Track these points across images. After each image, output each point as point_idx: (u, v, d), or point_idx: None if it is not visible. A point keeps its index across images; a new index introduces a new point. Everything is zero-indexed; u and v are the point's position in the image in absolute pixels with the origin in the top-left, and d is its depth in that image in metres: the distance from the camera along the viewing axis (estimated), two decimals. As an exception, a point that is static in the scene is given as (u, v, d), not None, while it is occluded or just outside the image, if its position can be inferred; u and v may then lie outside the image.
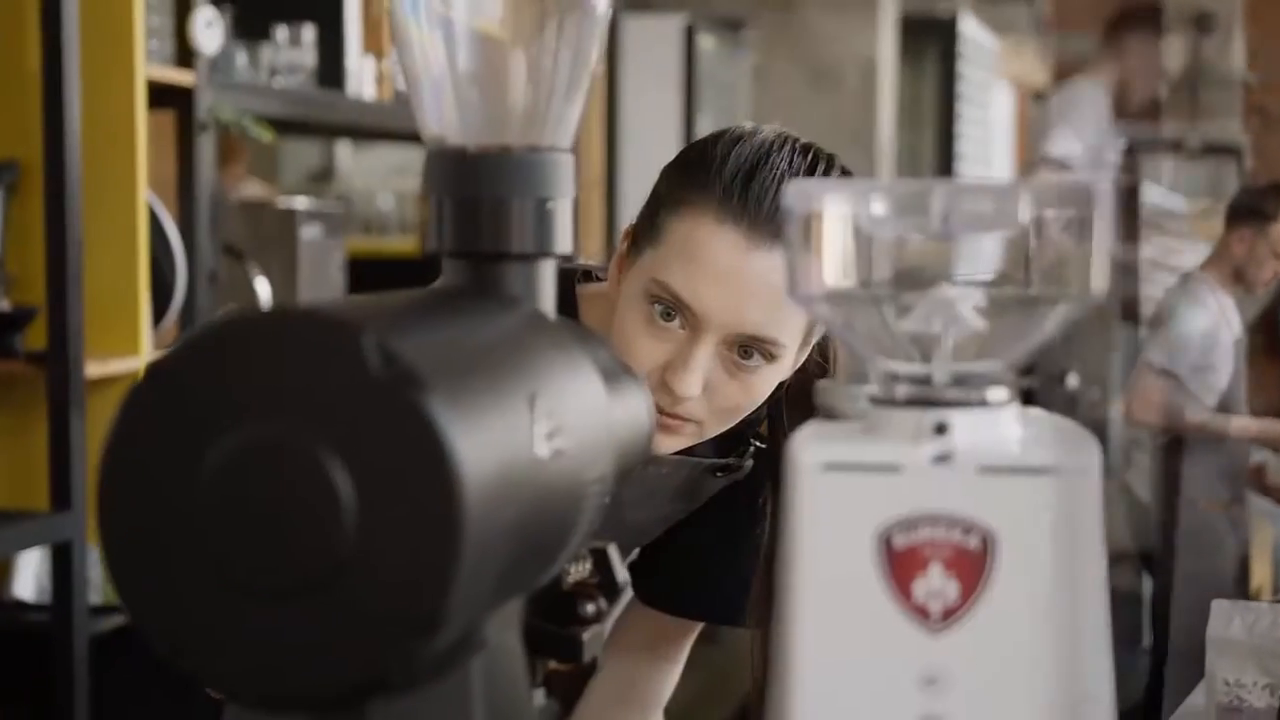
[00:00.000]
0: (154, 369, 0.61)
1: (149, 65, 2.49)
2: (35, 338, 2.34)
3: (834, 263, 0.69)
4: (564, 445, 0.68)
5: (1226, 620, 1.92)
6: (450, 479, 0.58)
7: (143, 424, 0.62)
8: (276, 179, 4.75)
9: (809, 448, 0.67)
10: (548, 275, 0.78)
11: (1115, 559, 4.00)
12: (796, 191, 0.69)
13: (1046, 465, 0.65)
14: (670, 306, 1.21)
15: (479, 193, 0.76)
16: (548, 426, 0.67)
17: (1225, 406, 4.06)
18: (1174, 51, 9.25)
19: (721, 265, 1.19)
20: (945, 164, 7.13)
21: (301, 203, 3.04)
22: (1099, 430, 4.56)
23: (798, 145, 1.26)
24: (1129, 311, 4.29)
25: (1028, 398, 5.07)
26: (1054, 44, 9.61)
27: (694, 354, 1.20)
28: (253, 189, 3.99)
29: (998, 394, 0.68)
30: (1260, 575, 4.95)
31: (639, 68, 4.80)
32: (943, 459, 0.66)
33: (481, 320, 0.71)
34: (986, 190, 0.69)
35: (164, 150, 2.59)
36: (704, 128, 5.82)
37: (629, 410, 0.82)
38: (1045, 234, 0.68)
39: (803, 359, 1.30)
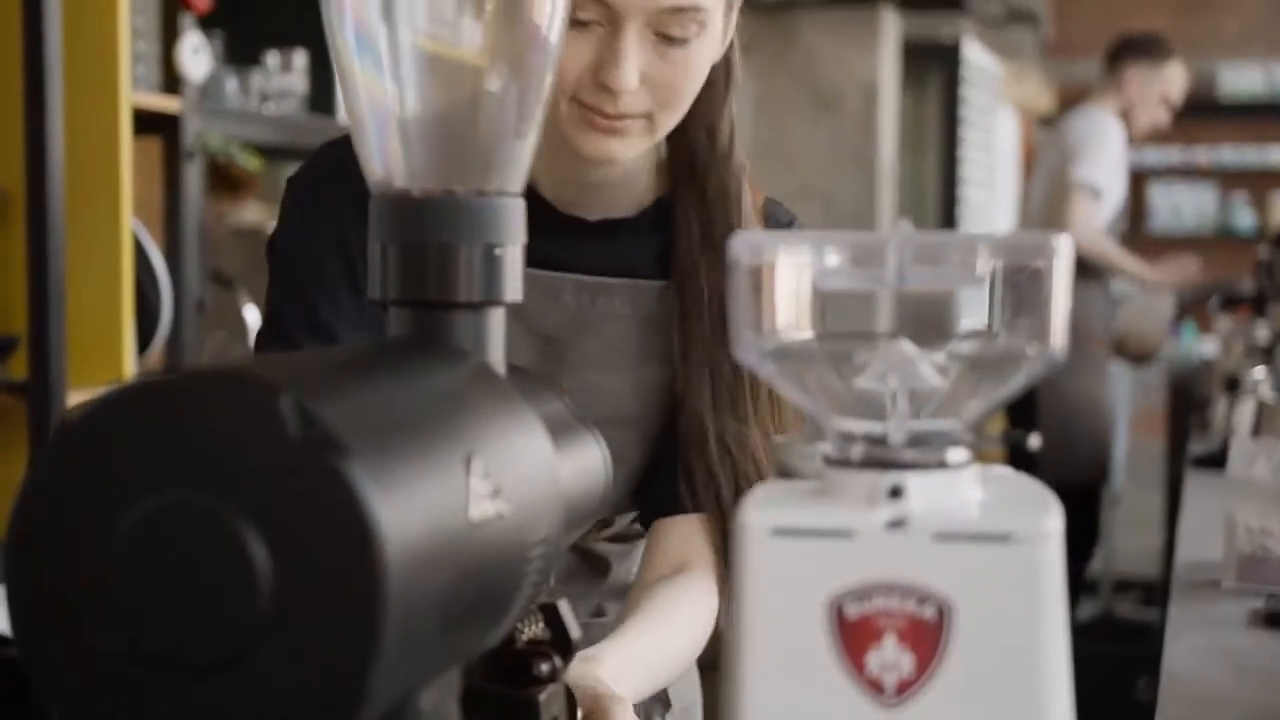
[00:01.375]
0: (67, 427, 0.59)
1: (135, 92, 2.46)
2: (17, 367, 2.31)
3: (785, 317, 0.67)
4: (503, 507, 0.65)
5: (1248, 460, 1.77)
6: (372, 549, 0.55)
7: (54, 484, 0.59)
8: (278, 196, 4.73)
9: (758, 511, 0.64)
10: (497, 323, 0.75)
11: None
12: (744, 242, 0.66)
13: (1006, 532, 0.62)
14: (583, 3, 1.17)
15: (424, 239, 0.74)
16: (486, 488, 0.64)
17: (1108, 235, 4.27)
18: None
19: None
20: (949, 188, 7.10)
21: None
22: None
23: None
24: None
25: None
26: (1057, 69, 9.61)
27: (620, 45, 1.17)
28: (251, 213, 3.97)
29: (957, 455, 0.65)
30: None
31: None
32: (897, 524, 0.63)
33: (419, 375, 0.68)
34: (943, 243, 0.66)
35: (151, 177, 2.57)
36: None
37: (579, 463, 0.79)
38: (1004, 289, 0.65)
39: (731, 27, 1.27)
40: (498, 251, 0.75)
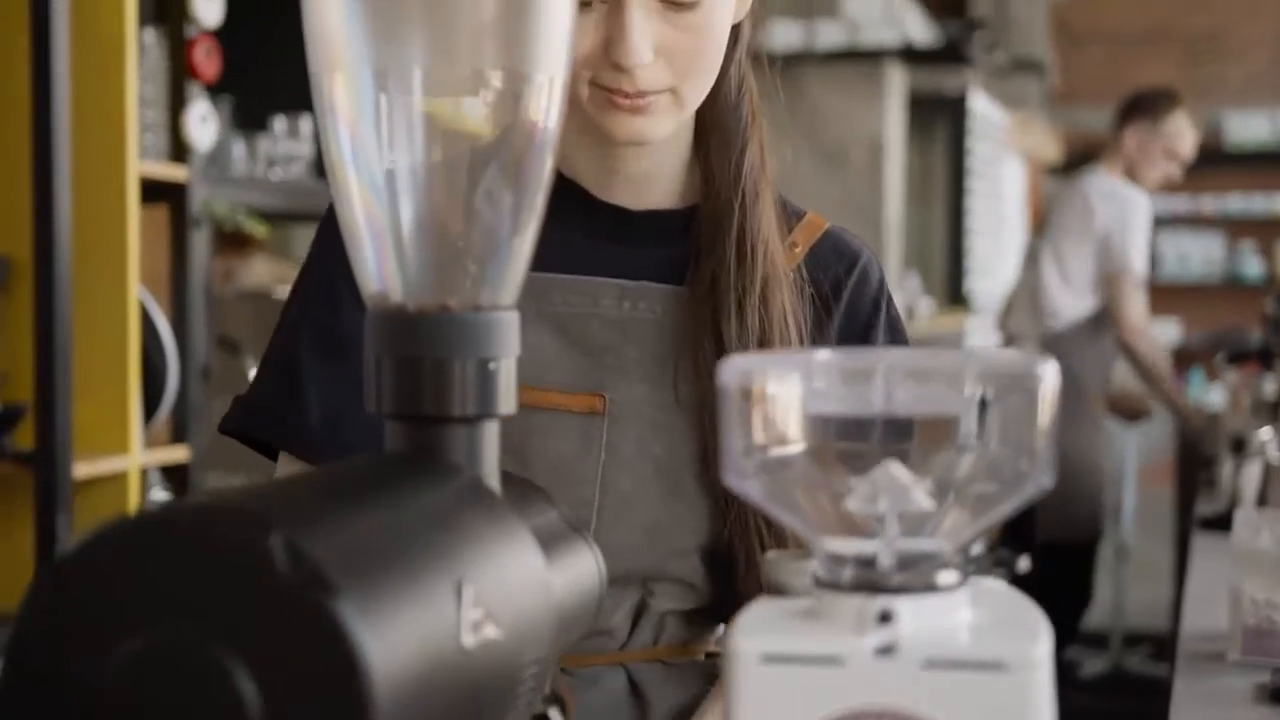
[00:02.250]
0: (60, 565, 0.59)
1: (143, 161, 2.48)
2: (23, 437, 2.32)
3: (774, 439, 0.67)
4: (495, 632, 0.65)
5: (1253, 530, 1.75)
6: (361, 687, 0.55)
7: (48, 621, 0.59)
8: (288, 252, 4.75)
9: (748, 637, 0.64)
10: (491, 437, 0.75)
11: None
12: (732, 366, 0.66)
13: (996, 660, 0.62)
14: None
15: (420, 354, 0.74)
16: (477, 614, 0.64)
17: None
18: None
19: None
20: (955, 239, 7.11)
21: (300, 292, 3.02)
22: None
23: None
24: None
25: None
26: (1064, 117, 9.64)
27: (626, 19, 1.11)
28: (260, 268, 3.98)
29: (947, 577, 0.65)
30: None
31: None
32: (886, 651, 0.63)
33: (411, 498, 0.68)
34: (931, 368, 0.66)
35: (158, 244, 2.58)
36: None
37: (573, 575, 0.79)
38: (992, 412, 0.65)
39: None
40: (492, 366, 0.75)
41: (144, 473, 2.55)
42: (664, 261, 1.24)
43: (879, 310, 1.26)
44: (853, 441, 0.68)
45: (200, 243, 2.60)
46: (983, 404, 0.65)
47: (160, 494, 2.71)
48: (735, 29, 1.23)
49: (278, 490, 0.64)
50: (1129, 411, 4.75)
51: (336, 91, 0.75)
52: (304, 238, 5.01)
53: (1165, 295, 9.91)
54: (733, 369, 0.67)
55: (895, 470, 0.66)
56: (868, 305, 1.27)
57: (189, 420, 2.58)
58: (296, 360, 1.22)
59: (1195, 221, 9.81)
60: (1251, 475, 2.88)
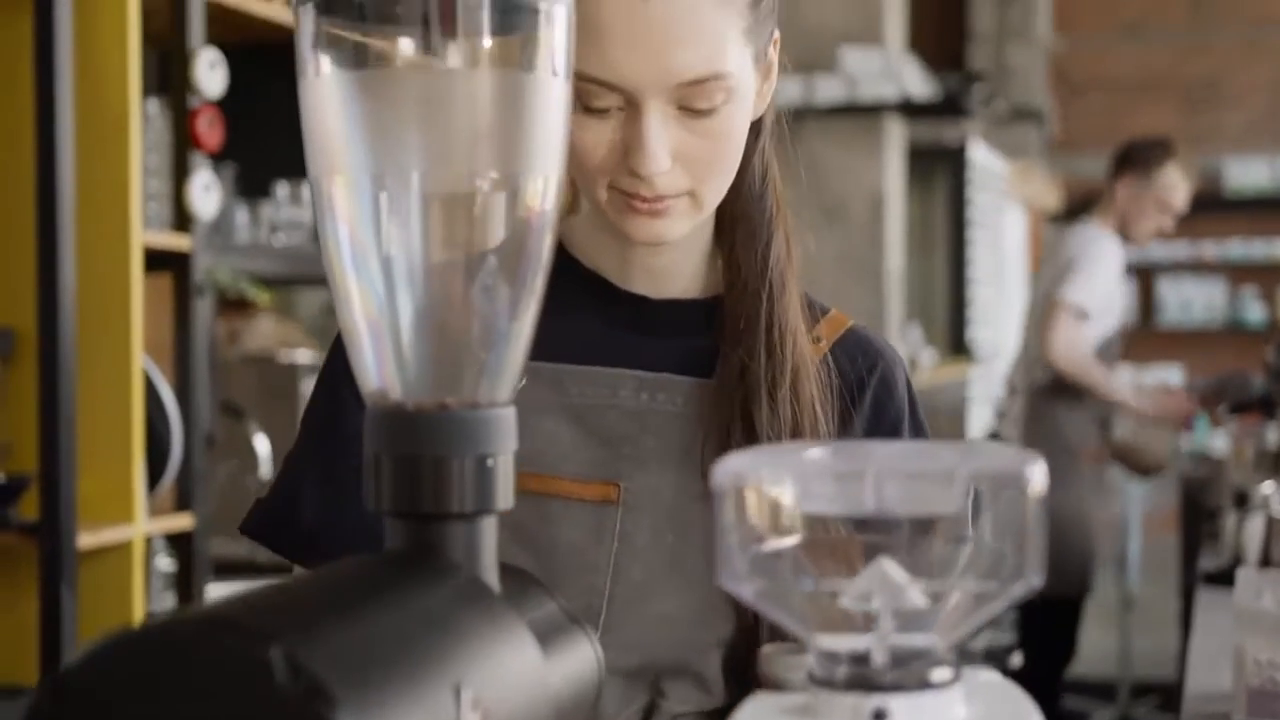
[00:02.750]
0: (60, 678, 0.60)
1: (147, 231, 2.50)
2: (28, 507, 2.32)
3: (767, 538, 0.68)
4: (493, 732, 0.66)
5: (1255, 591, 1.74)
6: (360, 797, 0.56)
7: (51, 733, 0.60)
8: (293, 314, 4.77)
9: (743, 737, 0.65)
10: (489, 532, 0.76)
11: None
12: (726, 470, 0.67)
13: (988, 758, 0.63)
14: (596, 93, 1.10)
15: (419, 452, 0.75)
16: (474, 717, 0.65)
17: (1102, 356, 4.26)
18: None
19: (621, 27, 1.08)
20: (958, 289, 7.13)
21: (304, 356, 3.04)
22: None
23: None
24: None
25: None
26: (1064, 165, 9.68)
27: (643, 128, 1.10)
28: (265, 329, 4.00)
29: (941, 674, 0.66)
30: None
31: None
32: (881, 750, 0.63)
33: (408, 600, 0.69)
34: (921, 469, 0.67)
35: (161, 312, 2.60)
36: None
37: (571, 667, 0.80)
38: (982, 517, 0.66)
39: (771, 79, 1.20)
40: (490, 462, 0.76)
41: (148, 541, 2.56)
42: (685, 352, 1.23)
43: (903, 418, 1.26)
44: (846, 539, 0.69)
45: (203, 311, 2.62)
46: (973, 503, 0.66)
47: (165, 562, 2.72)
48: (757, 122, 1.23)
49: (277, 598, 0.65)
50: (1137, 466, 4.74)
51: (335, 194, 0.76)
52: (307, 301, 5.04)
53: (1167, 341, 9.94)
54: (726, 470, 0.68)
55: (888, 567, 0.67)
56: (893, 412, 1.26)
57: (193, 487, 2.59)
58: (294, 466, 1.24)
59: (1197, 267, 9.84)
60: (1255, 529, 2.88)
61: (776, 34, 1.19)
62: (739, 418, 1.20)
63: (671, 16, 1.08)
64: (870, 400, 1.26)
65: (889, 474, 0.67)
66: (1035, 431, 4.36)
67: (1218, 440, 5.69)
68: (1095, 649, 6.30)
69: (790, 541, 0.69)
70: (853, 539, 0.69)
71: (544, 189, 0.78)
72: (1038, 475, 0.66)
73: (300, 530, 1.21)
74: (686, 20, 1.09)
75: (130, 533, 2.42)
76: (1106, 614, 5.78)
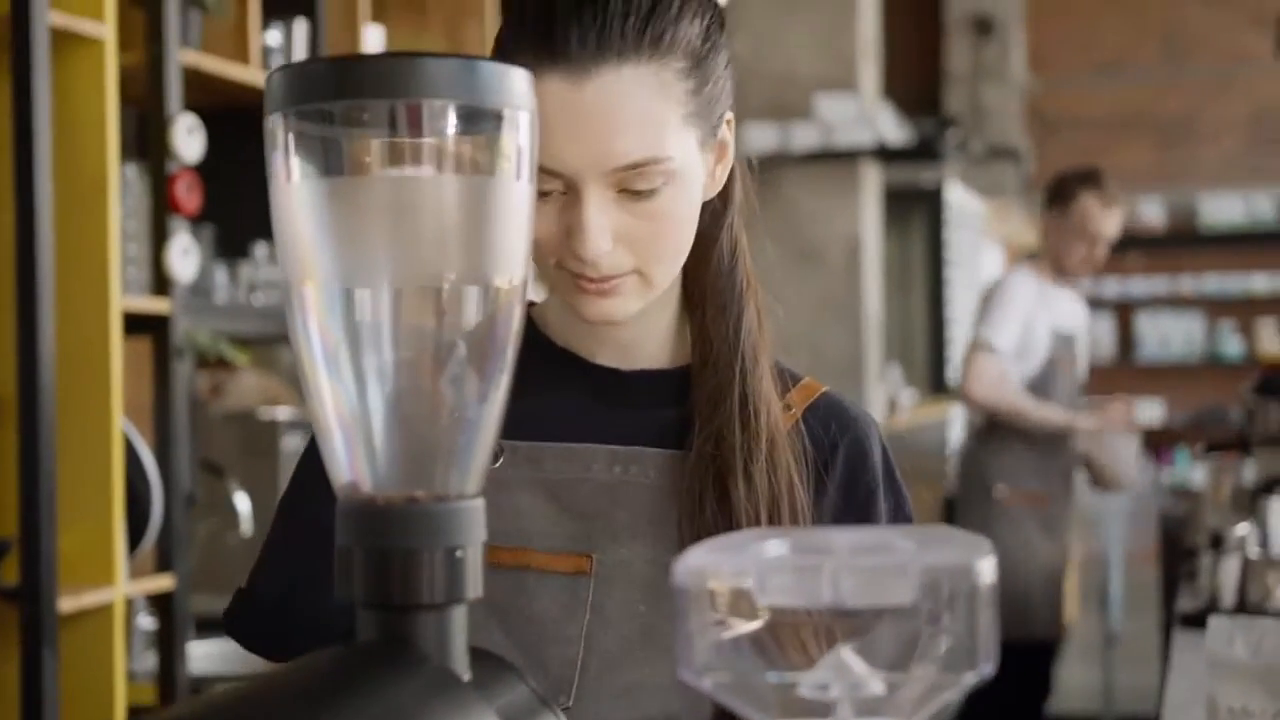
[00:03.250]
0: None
1: (126, 295, 2.52)
2: (8, 572, 2.33)
3: (727, 632, 0.70)
4: (463, 826, 0.68)
5: (1227, 639, 1.75)
6: None
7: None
8: (275, 368, 4.79)
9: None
10: (459, 621, 0.78)
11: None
12: (686, 568, 0.69)
13: (941, 847, 0.65)
14: (548, 183, 1.12)
15: (389, 545, 0.77)
16: (445, 810, 0.67)
17: (1036, 395, 4.19)
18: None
19: (558, 115, 1.10)
20: (936, 329, 7.18)
21: (284, 413, 3.06)
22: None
23: None
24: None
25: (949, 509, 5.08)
26: (1041, 203, 9.75)
27: (582, 213, 1.12)
28: (248, 383, 4.01)
29: (898, 762, 0.68)
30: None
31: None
32: (838, 841, 0.65)
33: (379, 693, 0.71)
34: (877, 567, 0.69)
35: (141, 375, 2.61)
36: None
37: (543, 753, 0.82)
38: (936, 609, 0.68)
39: (725, 158, 1.20)
40: (459, 554, 0.78)
41: (129, 603, 2.57)
42: (658, 423, 1.25)
43: (878, 484, 1.27)
44: (804, 630, 0.71)
45: (183, 373, 2.64)
46: (928, 594, 0.69)
47: (146, 621, 2.73)
48: (726, 195, 1.24)
49: (250, 695, 0.67)
50: (1106, 483, 4.64)
51: (307, 297, 0.79)
52: (289, 355, 5.05)
53: (1147, 376, 9.99)
54: (687, 565, 0.70)
55: (847, 656, 0.70)
56: (868, 480, 1.27)
57: (174, 548, 2.60)
58: (260, 565, 1.28)
59: (1175, 302, 9.91)
60: (1230, 571, 2.90)
61: (729, 115, 1.20)
62: (713, 490, 1.21)
63: (608, 104, 1.10)
64: (843, 467, 1.27)
65: (845, 568, 0.69)
66: (966, 476, 4.36)
67: (1198, 474, 5.72)
68: (1078, 685, 6.32)
69: (749, 634, 0.71)
70: (812, 629, 0.71)
71: (510, 287, 0.80)
72: (987, 568, 0.68)
73: (281, 628, 1.24)
74: (623, 107, 1.11)
75: (111, 595, 2.43)
76: (1089, 650, 5.80)
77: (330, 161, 0.81)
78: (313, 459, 1.27)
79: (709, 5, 1.17)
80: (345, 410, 0.79)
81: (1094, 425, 4.36)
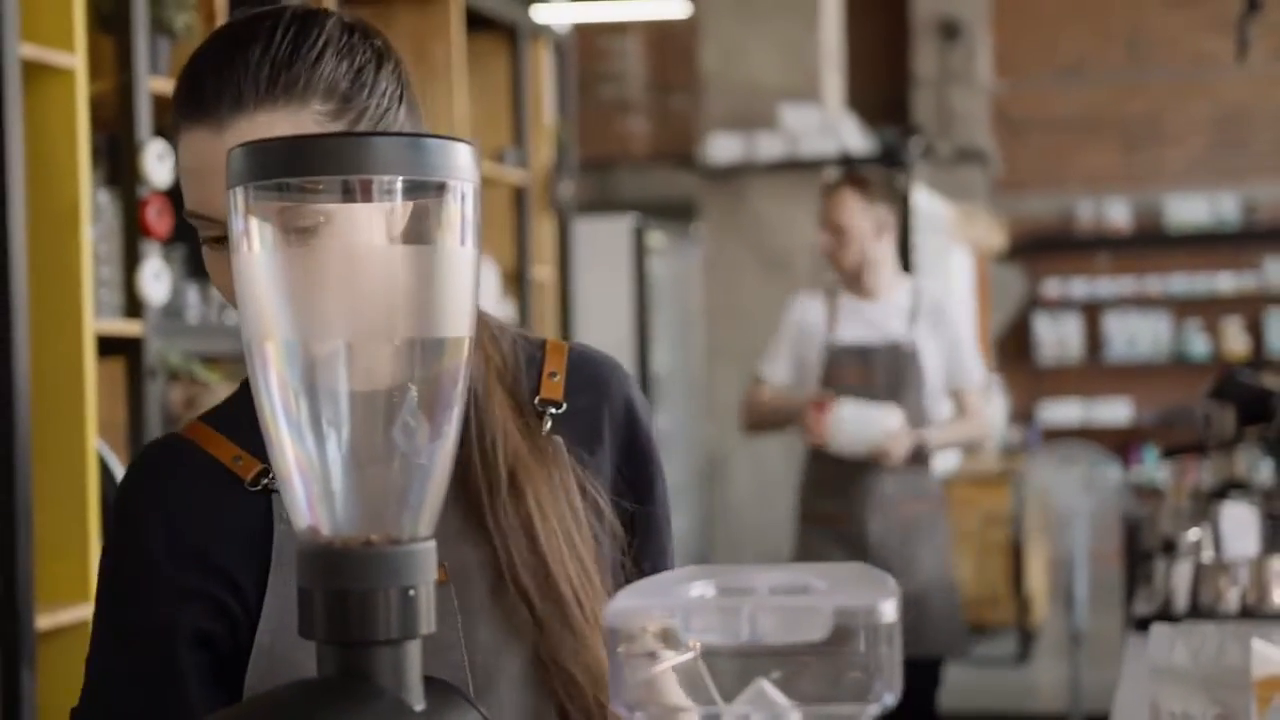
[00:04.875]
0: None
1: (99, 318, 2.57)
2: (-14, 591, 2.39)
3: (655, 667, 0.76)
4: None
5: (1168, 646, 1.82)
6: None
7: None
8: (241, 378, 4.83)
9: None
10: (414, 655, 0.84)
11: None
12: (617, 610, 0.76)
13: None
14: (211, 229, 1.16)
15: (347, 586, 0.83)
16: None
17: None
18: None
19: (202, 164, 1.15)
20: (904, 333, 7.23)
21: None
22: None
23: (263, 16, 1.18)
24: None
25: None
26: (1008, 205, 9.85)
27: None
28: (222, 394, 4.04)
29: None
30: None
31: (592, 266, 4.91)
32: None
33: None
34: (792, 607, 0.75)
35: (114, 396, 2.67)
36: (657, 319, 5.96)
37: (492, 777, 0.88)
38: (848, 643, 0.75)
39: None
40: (412, 592, 0.84)
41: (106, 618, 2.61)
42: None
43: (651, 430, 1.33)
44: (726, 665, 0.77)
45: (155, 394, 2.69)
46: (839, 633, 0.75)
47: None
48: None
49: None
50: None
51: (268, 354, 0.85)
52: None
53: (1115, 375, 10.10)
54: (617, 609, 0.76)
55: (767, 689, 0.76)
56: (644, 425, 1.33)
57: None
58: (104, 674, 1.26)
59: (1141, 302, 10.01)
60: (1183, 574, 2.96)
61: None
62: (472, 533, 1.25)
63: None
64: (622, 416, 1.32)
65: (763, 608, 0.76)
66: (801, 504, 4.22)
67: (1163, 473, 5.80)
68: (1045, 683, 6.41)
69: (673, 670, 0.77)
70: (732, 664, 0.78)
71: (457, 339, 0.87)
72: (889, 608, 0.74)
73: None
74: None
75: (87, 612, 2.48)
76: (1056, 648, 5.87)
77: (287, 231, 0.87)
78: (132, 532, 1.25)
79: (364, 46, 1.20)
80: (304, 459, 0.85)
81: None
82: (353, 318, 0.85)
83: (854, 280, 4.06)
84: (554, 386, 1.30)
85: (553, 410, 1.28)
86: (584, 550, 1.25)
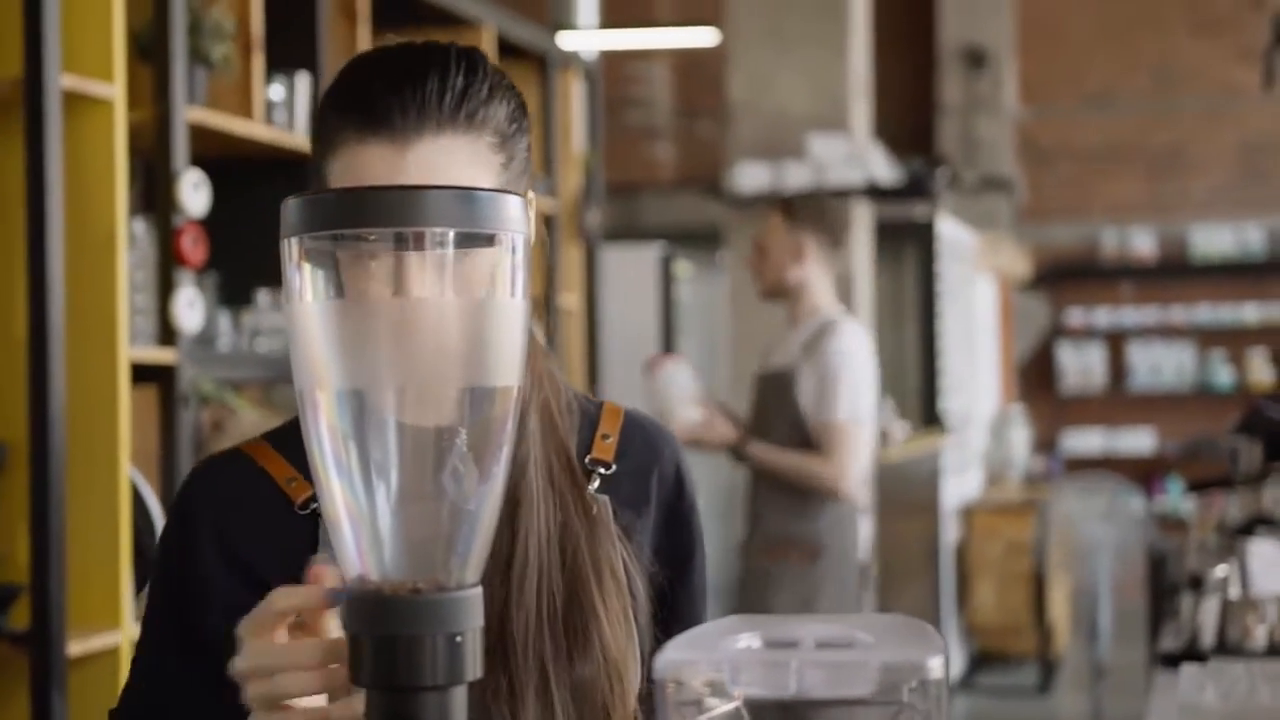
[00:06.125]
0: None
1: (133, 346, 2.59)
2: (18, 617, 2.40)
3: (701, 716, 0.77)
4: None
5: (1199, 686, 1.81)
6: None
7: None
8: (275, 404, 4.85)
9: None
10: (460, 700, 0.86)
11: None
12: (666, 662, 0.77)
13: None
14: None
15: (394, 632, 0.84)
16: None
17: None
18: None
19: (380, 178, 1.15)
20: (929, 361, 7.23)
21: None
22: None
23: (428, 47, 1.21)
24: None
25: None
26: (1032, 234, 9.84)
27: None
28: (249, 419, 4.06)
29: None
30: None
31: (619, 294, 4.93)
32: None
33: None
34: (837, 661, 0.76)
35: (148, 423, 2.68)
36: (683, 347, 5.97)
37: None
38: (893, 697, 0.76)
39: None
40: (459, 639, 0.85)
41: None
42: None
43: (694, 500, 1.34)
44: (770, 716, 0.78)
45: (188, 421, 2.71)
46: (885, 688, 0.76)
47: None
48: None
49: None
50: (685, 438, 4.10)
51: (319, 403, 0.86)
52: (289, 391, 5.11)
53: (1138, 405, 10.06)
54: (664, 661, 0.77)
55: (810, 741, 0.77)
56: (688, 494, 1.34)
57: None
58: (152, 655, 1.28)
59: (1166, 332, 9.98)
60: (1210, 611, 2.95)
61: (532, 195, 1.24)
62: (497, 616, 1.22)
63: (429, 168, 1.15)
64: (669, 482, 1.33)
65: (810, 662, 0.76)
66: None
67: (1188, 504, 5.78)
68: (1067, 713, 6.38)
69: (718, 716, 0.78)
70: (781, 716, 0.78)
71: (505, 389, 0.88)
72: (937, 664, 0.75)
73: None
74: (444, 171, 1.16)
75: (118, 638, 2.50)
76: (1078, 678, 5.85)
77: (340, 283, 0.88)
78: (189, 537, 1.25)
79: (513, 92, 1.23)
80: (354, 506, 0.86)
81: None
82: (404, 368, 0.86)
83: (773, 299, 4.07)
84: (606, 448, 1.31)
85: (601, 470, 1.29)
86: (617, 604, 1.25)
